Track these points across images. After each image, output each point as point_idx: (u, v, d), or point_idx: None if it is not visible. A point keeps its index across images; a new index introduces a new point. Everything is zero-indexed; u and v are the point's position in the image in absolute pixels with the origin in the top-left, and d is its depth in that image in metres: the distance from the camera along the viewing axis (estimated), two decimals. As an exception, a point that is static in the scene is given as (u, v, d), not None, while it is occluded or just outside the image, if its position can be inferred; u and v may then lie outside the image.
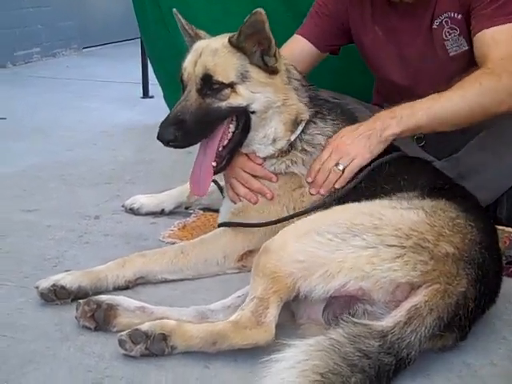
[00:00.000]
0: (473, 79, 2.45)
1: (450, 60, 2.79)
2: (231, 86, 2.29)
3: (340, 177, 2.36)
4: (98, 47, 9.09)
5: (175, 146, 2.28)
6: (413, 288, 1.85)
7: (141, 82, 5.93)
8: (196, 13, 4.48)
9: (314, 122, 2.46)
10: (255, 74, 2.33)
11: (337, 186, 2.36)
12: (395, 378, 1.73)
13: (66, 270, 2.27)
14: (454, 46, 2.76)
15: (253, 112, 2.34)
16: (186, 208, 3.01)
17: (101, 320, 1.97)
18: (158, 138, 2.24)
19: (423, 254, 1.86)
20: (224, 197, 2.61)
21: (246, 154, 2.45)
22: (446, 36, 2.75)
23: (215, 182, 2.73)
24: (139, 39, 5.72)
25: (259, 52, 2.32)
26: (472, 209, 2.11)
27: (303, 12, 3.09)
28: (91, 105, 5.56)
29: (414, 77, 2.91)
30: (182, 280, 2.35)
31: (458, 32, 2.72)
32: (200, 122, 2.27)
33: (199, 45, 2.41)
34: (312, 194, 2.38)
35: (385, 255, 1.85)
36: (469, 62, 2.70)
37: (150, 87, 5.88)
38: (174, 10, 2.52)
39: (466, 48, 2.73)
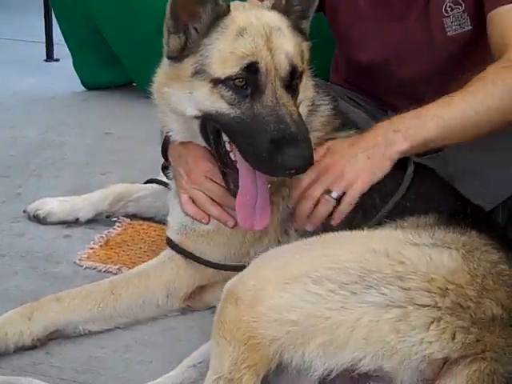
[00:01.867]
0: (491, 75, 1.99)
1: (447, 40, 2.36)
2: (301, 75, 1.80)
3: (335, 209, 1.81)
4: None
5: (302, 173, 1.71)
6: (445, 362, 1.39)
7: (44, 41, 5.17)
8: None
9: (313, 104, 1.99)
10: (306, 50, 1.87)
11: (333, 224, 1.81)
12: None
13: None
14: (454, 24, 2.34)
15: None
16: (108, 217, 2.47)
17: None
18: (297, 164, 1.62)
19: (464, 317, 1.41)
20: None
21: None
22: (447, 12, 2.32)
23: (156, 180, 2.35)
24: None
25: (295, 13, 1.86)
26: (507, 242, 1.69)
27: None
28: (-15, 68, 4.77)
29: (395, 54, 2.44)
30: (110, 331, 1.82)
31: (463, 8, 2.30)
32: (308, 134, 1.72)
33: (249, 20, 1.77)
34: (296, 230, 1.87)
35: (415, 320, 1.38)
36: (469, 45, 2.31)
37: (54, 47, 5.14)
38: None
39: (469, 28, 2.32)
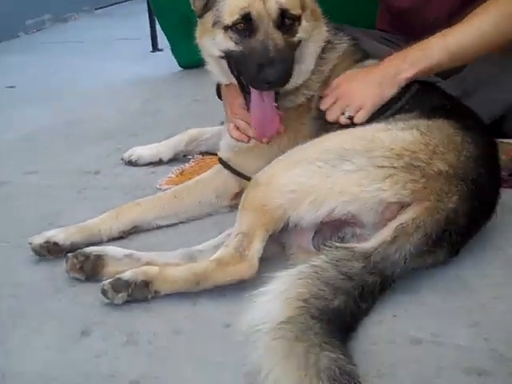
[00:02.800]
0: (488, 6, 2.28)
1: None
2: (299, 18, 2.20)
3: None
4: (109, 7, 8.97)
5: (282, 86, 2.14)
6: (402, 207, 1.80)
7: (150, 36, 5.85)
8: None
9: (330, 42, 2.38)
10: (309, 1, 2.27)
11: None
12: (385, 294, 1.74)
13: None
14: None
15: (299, 42, 2.24)
16: (185, 156, 2.98)
17: (89, 271, 1.97)
18: (271, 79, 2.06)
19: (415, 172, 1.81)
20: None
21: None
22: None
23: None
24: (145, -4, 5.69)
25: None
26: (471, 125, 2.02)
27: None
28: (102, 64, 5.49)
29: (421, 2, 2.75)
30: (175, 224, 2.34)
31: None
32: (291, 59, 2.15)
33: None
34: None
35: (374, 176, 1.80)
36: None
37: (159, 40, 5.79)
38: None
39: None
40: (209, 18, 2.24)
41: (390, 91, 2.23)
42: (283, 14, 2.14)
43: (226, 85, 2.47)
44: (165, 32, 5.04)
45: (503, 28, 2.28)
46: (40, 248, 2.14)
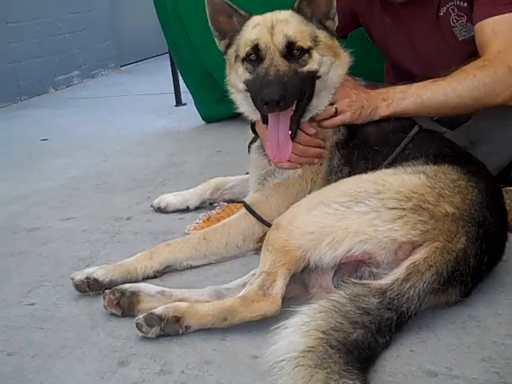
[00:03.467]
0: (469, 71, 2.50)
1: (461, 44, 2.82)
2: (308, 51, 2.41)
3: (331, 117, 2.50)
4: (134, 64, 9.37)
5: (280, 107, 2.28)
6: (414, 247, 1.94)
7: (173, 91, 6.13)
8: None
9: None
10: (323, 37, 2.47)
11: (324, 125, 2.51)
12: (401, 331, 1.85)
13: (98, 267, 2.43)
14: (462, 31, 2.80)
15: (319, 77, 2.44)
16: (211, 204, 3.15)
17: (126, 306, 2.13)
18: (266, 99, 2.23)
19: (423, 214, 1.95)
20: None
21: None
22: (454, 23, 2.80)
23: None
24: (168, 53, 5.96)
25: (319, 15, 2.47)
26: (474, 171, 2.17)
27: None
28: (128, 118, 5.79)
29: (426, 64, 2.95)
30: (205, 265, 2.50)
31: (466, 18, 2.76)
32: (293, 85, 2.33)
33: (263, 18, 2.47)
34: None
35: (386, 217, 1.94)
36: None
37: (182, 95, 6.08)
38: None
39: (474, 34, 2.73)
40: (231, 53, 2.55)
41: (364, 119, 2.49)
42: (290, 45, 2.37)
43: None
44: (188, 87, 5.30)
45: (478, 95, 2.49)
46: (81, 283, 2.31)
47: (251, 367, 1.83)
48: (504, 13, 2.54)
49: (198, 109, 5.23)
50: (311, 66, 2.41)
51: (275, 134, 2.40)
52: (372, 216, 1.95)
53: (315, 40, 2.44)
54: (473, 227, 1.96)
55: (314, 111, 2.51)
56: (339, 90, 2.51)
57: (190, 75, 5.17)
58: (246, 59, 2.44)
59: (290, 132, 2.40)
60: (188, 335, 1.99)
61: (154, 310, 1.98)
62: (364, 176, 2.18)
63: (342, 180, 2.25)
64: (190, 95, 5.41)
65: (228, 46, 2.55)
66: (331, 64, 2.48)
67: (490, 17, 2.56)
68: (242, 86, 2.49)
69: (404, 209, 1.95)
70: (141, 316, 1.99)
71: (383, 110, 2.48)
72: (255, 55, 2.40)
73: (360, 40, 3.68)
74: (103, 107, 6.51)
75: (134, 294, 2.14)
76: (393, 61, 3.18)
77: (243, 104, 2.61)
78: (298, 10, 2.45)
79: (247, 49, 2.41)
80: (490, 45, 2.54)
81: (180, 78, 5.80)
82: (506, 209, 2.27)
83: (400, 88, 2.51)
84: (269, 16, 2.47)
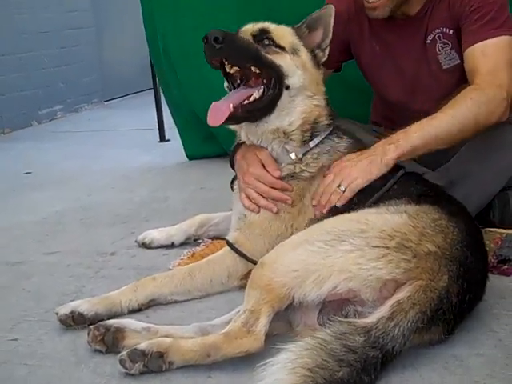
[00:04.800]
0: (462, 96, 2.59)
1: (444, 73, 2.93)
2: (281, 48, 2.47)
3: (341, 196, 2.46)
4: (118, 99, 9.41)
5: (220, 52, 2.32)
6: (398, 286, 1.97)
7: (157, 127, 6.16)
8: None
9: (331, 134, 2.60)
10: (304, 55, 2.53)
11: (337, 205, 2.45)
12: (385, 370, 1.86)
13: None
14: (446, 59, 2.90)
15: (287, 87, 2.47)
16: (195, 240, 3.16)
17: (110, 343, 2.12)
18: (207, 34, 2.30)
19: (406, 252, 1.98)
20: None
21: (263, 165, 2.56)
22: (439, 50, 2.89)
23: None
24: (153, 89, 6.07)
25: (312, 43, 2.56)
26: (455, 211, 2.22)
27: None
28: (112, 152, 5.80)
29: (411, 90, 3.05)
30: (190, 300, 2.51)
31: (450, 46, 2.86)
32: (246, 52, 2.40)
33: None
34: (315, 216, 2.50)
35: (370, 255, 1.97)
36: (462, 75, 2.82)
37: (166, 131, 6.11)
38: None
39: (458, 62, 2.86)
40: None
41: (379, 170, 2.46)
42: (262, 31, 2.48)
43: (245, 148, 2.66)
44: (176, 124, 5.34)
45: (477, 115, 2.57)
46: (66, 318, 2.30)
47: (237, 406, 1.83)
48: (493, 37, 2.66)
49: (184, 145, 5.27)
50: (279, 60, 2.46)
51: (220, 102, 2.45)
52: (356, 254, 1.98)
53: (294, 50, 2.52)
54: (454, 266, 2.00)
55: (264, 127, 2.52)
56: (336, 168, 2.53)
57: (178, 112, 5.23)
58: None
59: (231, 108, 2.41)
60: (173, 373, 1.97)
61: (137, 346, 1.97)
62: (347, 215, 2.22)
63: (325, 220, 2.27)
64: (174, 131, 5.44)
65: None
66: (304, 85, 2.51)
67: (480, 42, 2.68)
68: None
69: (387, 247, 1.98)
70: (124, 352, 1.98)
71: (392, 152, 2.48)
72: None
73: (345, 84, 3.83)
74: (87, 142, 6.52)
75: (119, 330, 2.13)
76: (380, 91, 3.24)
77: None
78: (299, 32, 2.55)
79: None
80: (480, 67, 2.65)
81: (165, 114, 5.87)
82: (486, 249, 2.31)
83: (399, 131, 2.56)
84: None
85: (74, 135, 6.98)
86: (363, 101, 3.61)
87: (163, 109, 5.81)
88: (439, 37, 2.88)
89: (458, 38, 2.83)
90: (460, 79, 2.85)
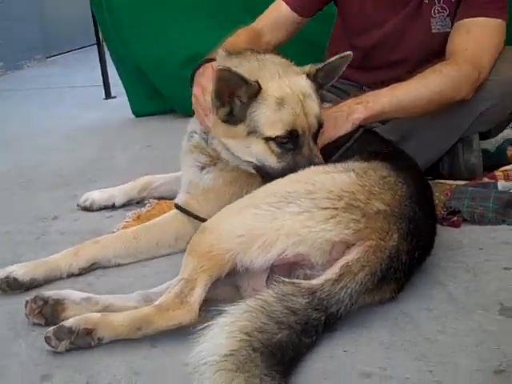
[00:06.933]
0: (435, 68, 2.57)
1: (430, 36, 2.88)
2: None
3: None
4: (61, 55, 9.10)
5: None
6: (348, 247, 1.91)
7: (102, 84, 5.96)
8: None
9: None
10: None
11: None
12: (336, 330, 1.85)
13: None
14: (438, 24, 2.86)
15: None
16: (138, 202, 3.06)
17: (49, 315, 2.02)
18: None
19: (355, 212, 1.92)
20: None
21: None
22: (434, 14, 2.85)
23: None
24: (96, 45, 5.85)
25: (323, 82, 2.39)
26: (404, 167, 2.17)
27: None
28: (55, 111, 5.59)
29: (388, 43, 2.99)
30: (135, 263, 2.44)
31: (447, 13, 2.82)
32: None
33: (285, 93, 2.21)
34: None
35: (318, 217, 1.90)
36: (445, 43, 2.78)
37: (112, 88, 5.92)
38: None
39: (449, 30, 2.80)
40: (240, 128, 2.24)
41: (345, 127, 2.39)
42: (320, 127, 2.27)
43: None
44: (122, 80, 5.20)
45: (445, 89, 2.55)
46: (0, 282, 2.21)
47: (182, 375, 1.74)
48: (487, 15, 2.63)
49: (130, 101, 5.14)
50: None
51: None
52: (304, 217, 1.90)
53: None
54: (404, 223, 1.96)
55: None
56: None
57: (124, 68, 5.09)
58: (273, 139, 2.20)
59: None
60: (117, 342, 1.89)
61: (64, 323, 1.88)
62: (293, 176, 2.11)
63: (272, 181, 2.16)
64: (120, 88, 5.27)
65: (230, 115, 2.24)
66: None
67: (473, 17, 2.65)
68: (252, 160, 2.28)
69: (336, 208, 1.91)
70: (50, 329, 1.88)
71: (360, 113, 2.40)
72: (288, 140, 2.20)
73: (301, 38, 3.67)
74: (29, 101, 6.27)
75: (58, 302, 2.02)
76: (354, 40, 3.11)
77: (231, 157, 2.39)
78: (312, 77, 2.31)
79: (281, 132, 2.18)
80: (461, 43, 2.64)
81: (110, 70, 5.67)
82: (435, 202, 2.28)
83: (370, 93, 2.49)
84: (289, 89, 2.21)
85: (16, 94, 6.71)
86: (317, 53, 3.51)
87: (109, 65, 5.62)
88: (438, 0, 2.82)
89: (457, 6, 2.78)
90: (441, 46, 2.79)
